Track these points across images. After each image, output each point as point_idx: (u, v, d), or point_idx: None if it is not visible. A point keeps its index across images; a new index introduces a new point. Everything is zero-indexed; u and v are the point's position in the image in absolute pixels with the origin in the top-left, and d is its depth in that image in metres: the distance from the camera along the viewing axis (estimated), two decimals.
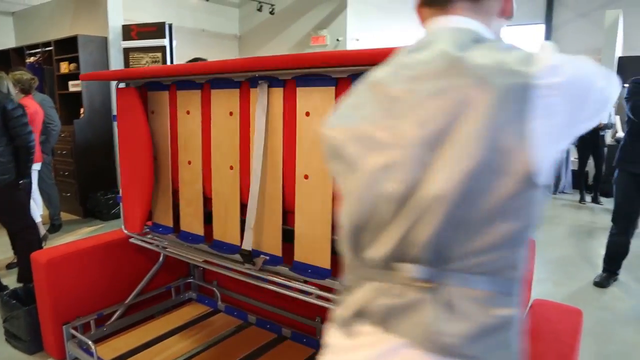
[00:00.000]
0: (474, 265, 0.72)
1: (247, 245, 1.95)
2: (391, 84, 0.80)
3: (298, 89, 1.80)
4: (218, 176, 2.11)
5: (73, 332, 2.26)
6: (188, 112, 2.22)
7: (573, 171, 7.16)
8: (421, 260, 0.74)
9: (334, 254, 1.76)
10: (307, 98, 1.77)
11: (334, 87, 1.70)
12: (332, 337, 0.87)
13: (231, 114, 2.04)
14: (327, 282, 1.77)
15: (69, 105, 5.69)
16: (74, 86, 5.51)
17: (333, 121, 0.87)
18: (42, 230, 4.24)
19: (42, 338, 2.38)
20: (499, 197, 0.69)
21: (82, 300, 2.36)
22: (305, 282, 1.83)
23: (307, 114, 1.77)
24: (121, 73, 2.45)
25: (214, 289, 2.74)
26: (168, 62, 5.42)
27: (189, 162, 2.20)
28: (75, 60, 5.42)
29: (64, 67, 5.57)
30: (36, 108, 4.13)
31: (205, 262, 2.16)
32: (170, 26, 5.43)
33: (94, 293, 2.41)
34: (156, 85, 2.38)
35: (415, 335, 0.73)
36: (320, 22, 9.11)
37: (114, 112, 2.48)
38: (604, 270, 3.65)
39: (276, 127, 1.87)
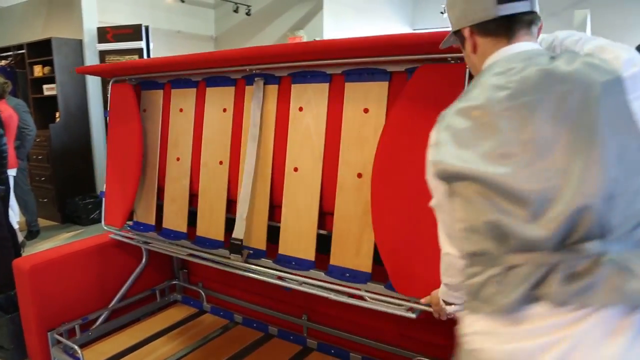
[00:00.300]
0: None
1: (239, 234, 1.96)
2: (492, 107, 0.93)
3: (293, 86, 1.86)
4: (206, 171, 2.13)
5: (58, 337, 2.23)
6: (181, 110, 2.24)
7: None
8: (595, 236, 0.84)
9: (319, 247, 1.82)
10: (301, 94, 1.84)
11: (327, 84, 1.77)
12: (486, 325, 0.92)
13: (225, 110, 2.08)
14: (312, 273, 1.81)
15: (44, 109, 5.57)
16: (48, 90, 5.40)
17: (448, 159, 0.96)
18: (20, 237, 4.15)
19: (25, 345, 2.34)
20: None
21: (66, 306, 2.33)
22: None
23: (301, 108, 1.84)
24: (118, 66, 2.43)
25: (199, 290, 2.74)
26: None
27: (178, 159, 2.22)
28: (49, 63, 5.31)
29: (38, 71, 5.46)
30: (10, 113, 4.04)
31: (190, 255, 2.17)
32: (147, 28, 5.37)
33: (78, 298, 2.38)
34: (150, 84, 2.38)
35: (610, 301, 0.83)
36: (297, 22, 9.13)
37: (107, 108, 2.47)
38: None
39: (269, 121, 1.92)
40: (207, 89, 2.16)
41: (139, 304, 2.65)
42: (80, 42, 5.45)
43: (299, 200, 1.82)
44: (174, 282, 2.84)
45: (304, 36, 9.06)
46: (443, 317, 1.36)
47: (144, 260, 2.63)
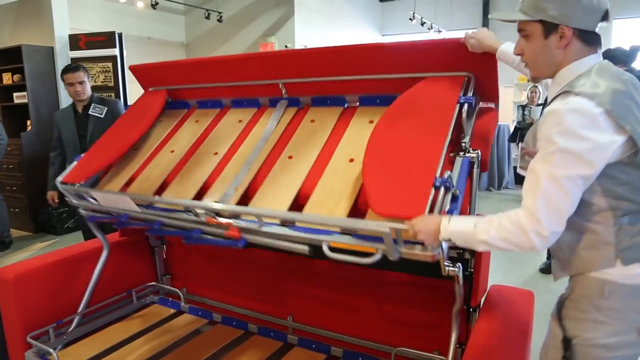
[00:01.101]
0: None
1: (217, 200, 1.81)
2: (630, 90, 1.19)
3: (311, 107, 2.07)
4: (196, 160, 2.09)
5: (31, 341, 2.17)
6: (197, 121, 2.31)
7: (514, 167, 7.63)
8: None
9: None
10: (317, 112, 2.03)
11: (342, 107, 2.00)
12: None
13: (240, 121, 2.19)
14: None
15: (14, 117, 5.48)
16: (19, 97, 5.32)
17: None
18: None
19: (8, 355, 2.32)
20: None
21: (49, 314, 2.31)
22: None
23: (312, 120, 2.01)
24: (172, 64, 2.45)
25: (177, 290, 2.71)
26: (119, 72, 5.34)
27: (172, 151, 2.20)
28: (19, 70, 5.23)
29: (7, 78, 5.37)
30: None
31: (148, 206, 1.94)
32: (120, 35, 5.35)
33: (61, 305, 2.36)
34: (177, 104, 2.47)
35: None
36: (269, 28, 9.20)
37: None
38: (548, 257, 3.97)
39: (280, 128, 2.05)
40: (232, 109, 2.28)
41: (115, 306, 2.60)
42: (51, 50, 5.38)
43: (283, 183, 1.80)
44: (152, 284, 2.80)
45: (275, 42, 9.14)
46: (433, 248, 1.31)
47: (104, 254, 2.48)
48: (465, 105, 1.60)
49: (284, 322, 2.41)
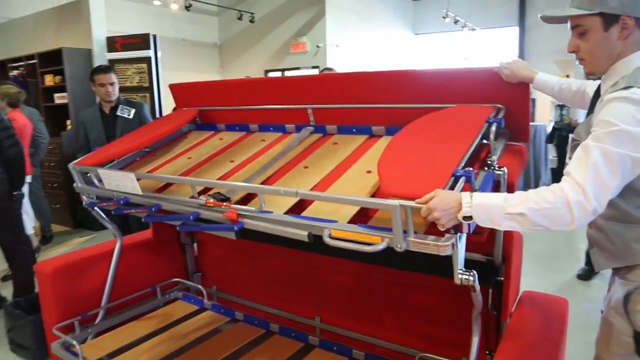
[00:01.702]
0: None
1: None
2: None
3: (337, 135, 2.06)
4: (211, 165, 2.09)
5: (57, 332, 2.23)
6: (221, 139, 2.35)
7: (552, 169, 7.41)
8: None
9: None
10: (341, 138, 2.04)
11: (367, 136, 1.98)
12: None
13: (263, 140, 2.21)
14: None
15: (55, 117, 5.69)
16: (59, 98, 5.52)
17: None
18: (35, 242, 4.25)
19: (47, 346, 2.41)
20: None
21: (84, 306, 2.39)
22: None
23: (335, 143, 2.01)
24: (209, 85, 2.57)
25: (201, 287, 2.73)
26: (154, 73, 5.47)
27: (189, 158, 2.24)
28: (59, 72, 5.43)
29: (49, 80, 5.58)
30: (25, 121, 4.15)
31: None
32: (154, 37, 5.48)
33: (93, 298, 2.43)
34: (205, 126, 2.51)
35: None
36: (300, 28, 9.24)
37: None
38: (587, 263, 3.80)
39: (303, 145, 2.06)
40: (257, 133, 2.32)
41: (141, 303, 2.65)
42: (89, 52, 5.57)
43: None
44: (176, 280, 2.82)
45: (307, 42, 9.17)
46: (444, 225, 1.14)
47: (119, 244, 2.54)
48: (494, 126, 1.52)
49: (311, 322, 2.41)
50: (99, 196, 2.15)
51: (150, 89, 5.50)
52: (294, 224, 1.41)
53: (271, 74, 9.75)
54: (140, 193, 1.86)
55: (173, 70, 8.09)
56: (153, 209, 1.79)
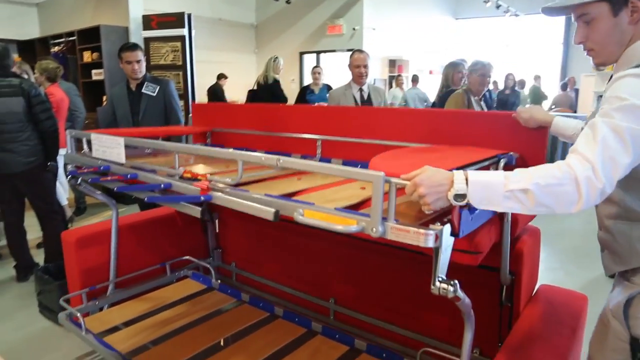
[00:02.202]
0: None
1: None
2: None
3: None
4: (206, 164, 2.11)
5: (63, 303, 2.26)
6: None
7: None
8: None
9: None
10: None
11: None
12: None
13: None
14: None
15: (92, 92, 5.86)
16: (96, 74, 5.68)
17: None
18: (69, 213, 4.41)
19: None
20: None
21: (104, 276, 2.46)
22: None
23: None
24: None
25: (209, 266, 2.74)
26: (187, 52, 5.53)
27: (186, 160, 2.28)
28: (97, 49, 5.57)
29: (87, 56, 5.74)
30: (62, 96, 4.28)
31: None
32: (189, 16, 5.53)
33: (109, 269, 2.49)
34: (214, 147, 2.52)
35: None
36: (337, 11, 9.14)
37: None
38: None
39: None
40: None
41: (151, 279, 2.67)
42: (126, 30, 5.68)
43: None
44: (186, 258, 2.82)
45: (343, 25, 9.06)
46: (430, 206, 1.01)
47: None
48: (503, 162, 1.47)
49: (325, 303, 2.42)
50: (84, 165, 2.12)
51: (183, 67, 5.57)
52: (265, 202, 1.33)
53: (306, 56, 9.70)
54: (123, 162, 1.84)
55: (209, 50, 8.15)
56: (128, 176, 1.77)
